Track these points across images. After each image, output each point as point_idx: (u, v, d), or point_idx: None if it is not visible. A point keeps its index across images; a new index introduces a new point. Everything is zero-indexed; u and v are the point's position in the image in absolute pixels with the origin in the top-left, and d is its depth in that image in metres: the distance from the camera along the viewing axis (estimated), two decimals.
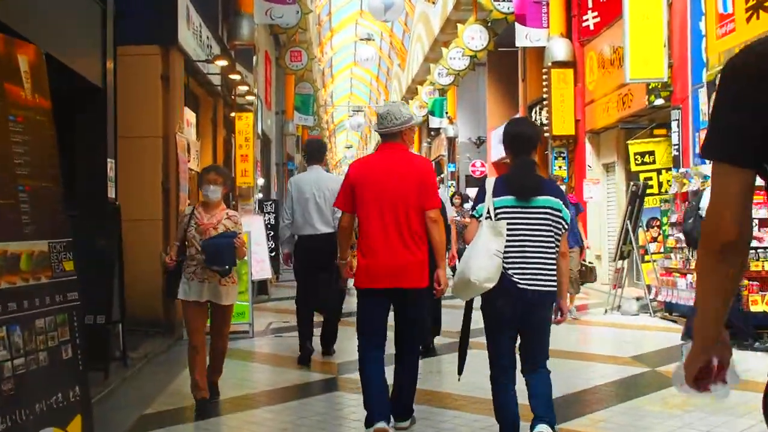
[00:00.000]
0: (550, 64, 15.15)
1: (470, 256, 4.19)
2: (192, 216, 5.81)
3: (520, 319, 4.27)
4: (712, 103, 1.95)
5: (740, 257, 1.71)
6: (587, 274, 11.13)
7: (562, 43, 15.18)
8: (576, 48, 15.18)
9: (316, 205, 7.46)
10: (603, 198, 14.88)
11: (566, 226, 4.34)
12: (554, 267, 4.28)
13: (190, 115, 10.79)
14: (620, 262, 11.09)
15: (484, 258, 4.12)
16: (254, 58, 13.70)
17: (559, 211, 4.27)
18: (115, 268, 7.32)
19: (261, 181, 17.18)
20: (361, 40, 33.15)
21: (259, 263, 12.75)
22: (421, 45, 31.68)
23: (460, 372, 4.59)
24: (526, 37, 16.13)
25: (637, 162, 11.80)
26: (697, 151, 10.08)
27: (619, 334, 9.50)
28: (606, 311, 11.07)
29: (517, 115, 20.86)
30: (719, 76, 1.74)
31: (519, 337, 4.40)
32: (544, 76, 15.37)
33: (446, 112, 29.38)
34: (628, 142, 11.93)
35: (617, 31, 13.38)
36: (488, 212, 4.22)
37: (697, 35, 10.50)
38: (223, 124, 13.34)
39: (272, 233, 16.84)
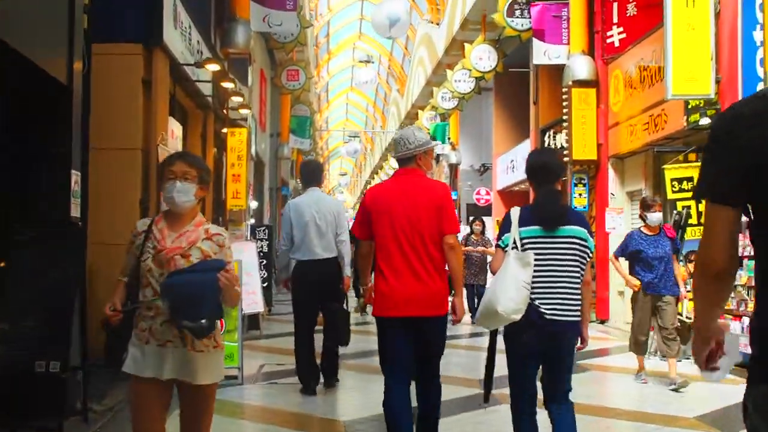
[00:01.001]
0: (570, 83, 13.97)
1: (498, 286, 4.22)
2: (148, 235, 3.65)
3: (545, 350, 4.34)
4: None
5: (731, 279, 2.17)
6: (683, 332, 8.77)
7: (584, 61, 14.02)
8: (599, 66, 14.01)
9: (316, 229, 7.15)
10: (627, 229, 13.61)
11: (591, 256, 4.39)
12: (579, 297, 4.35)
13: (175, 127, 9.54)
14: None
15: (512, 289, 4.15)
16: (249, 69, 12.48)
17: (585, 240, 4.34)
18: (75, 301, 6.00)
19: (254, 205, 15.89)
20: (361, 61, 31.97)
21: (250, 295, 11.46)
22: (423, 68, 30.60)
23: (486, 400, 4.69)
24: (544, 54, 14.98)
25: (674, 189, 10.58)
26: None
27: (668, 385, 8.18)
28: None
29: (528, 140, 19.74)
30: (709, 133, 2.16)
31: (541, 368, 4.48)
32: (564, 96, 14.18)
33: (448, 138, 28.19)
34: (664, 167, 10.71)
35: (646, 48, 12.25)
36: (514, 242, 4.28)
37: (750, 46, 9.33)
38: (214, 140, 12.10)
39: (265, 262, 15.63)
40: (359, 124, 58.46)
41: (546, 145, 17.88)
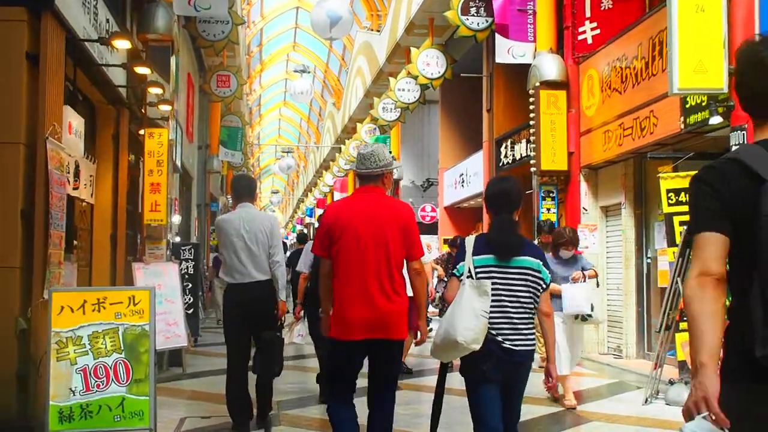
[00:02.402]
0: (538, 84, 12.42)
1: (455, 315, 4.19)
2: None
3: (504, 380, 4.30)
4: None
5: (725, 288, 2.30)
6: None
7: (553, 60, 12.51)
8: (569, 66, 12.51)
9: (246, 249, 6.51)
10: (602, 249, 12.13)
11: (545, 287, 4.38)
12: (533, 326, 4.36)
13: (74, 119, 7.61)
14: (665, 333, 8.28)
15: (470, 318, 4.14)
16: (172, 60, 10.60)
17: (539, 271, 4.36)
18: None
19: (176, 219, 13.92)
20: (296, 71, 30.27)
21: (171, 327, 9.57)
22: (361, 78, 28.96)
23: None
24: (508, 51, 13.43)
25: (670, 201, 9.05)
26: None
27: None
28: (647, 400, 8.19)
29: (480, 152, 18.24)
30: (690, 185, 2.44)
31: None
32: (531, 99, 12.63)
33: (390, 152, 26.56)
34: (660, 175, 9.17)
35: (628, 43, 10.79)
36: (469, 271, 4.28)
37: None
38: (129, 143, 10.17)
39: (190, 285, 13.73)
40: (292, 140, 56.54)
41: (503, 156, 16.41)
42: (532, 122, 12.64)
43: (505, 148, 16.26)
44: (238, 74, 21.44)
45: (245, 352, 6.67)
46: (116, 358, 5.88)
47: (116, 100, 9.74)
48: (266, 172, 66.61)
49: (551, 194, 12.50)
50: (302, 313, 8.48)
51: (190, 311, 13.56)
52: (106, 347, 5.90)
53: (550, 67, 12.49)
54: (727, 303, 2.33)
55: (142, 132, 10.44)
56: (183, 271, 13.55)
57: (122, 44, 7.77)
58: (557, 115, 12.35)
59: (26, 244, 6.32)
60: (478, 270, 4.27)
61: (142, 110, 10.30)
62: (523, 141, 15.14)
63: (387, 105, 23.29)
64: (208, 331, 15.28)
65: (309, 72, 31.79)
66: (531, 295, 4.33)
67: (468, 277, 4.26)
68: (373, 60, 26.36)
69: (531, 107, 12.63)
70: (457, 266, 4.37)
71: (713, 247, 2.28)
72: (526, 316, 4.32)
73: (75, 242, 9.04)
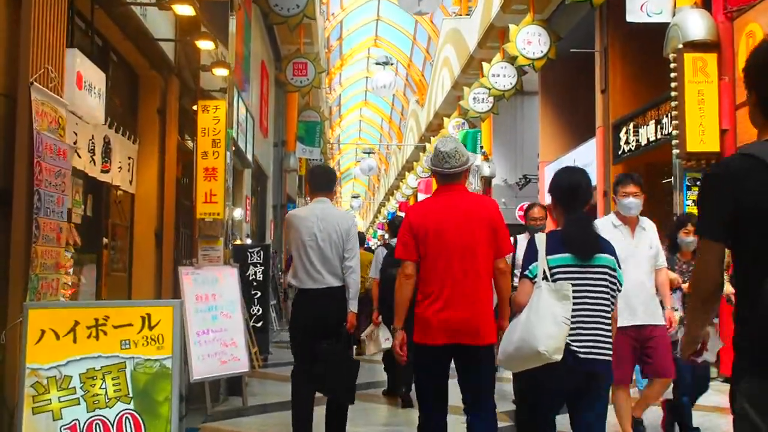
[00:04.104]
0: (680, 46, 10.03)
1: (532, 323, 3.85)
2: None
3: (575, 392, 3.98)
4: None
5: (717, 301, 2.57)
6: None
7: (699, 16, 10.10)
8: (720, 23, 10.08)
9: (317, 250, 5.73)
10: None
11: (619, 289, 4.10)
12: (610, 334, 4.03)
13: (89, 70, 5.59)
14: None
15: (551, 325, 3.80)
16: (231, 20, 8.59)
17: (615, 270, 4.07)
18: None
19: (238, 213, 11.96)
20: (378, 64, 28.21)
21: (227, 348, 7.59)
22: (448, 69, 26.77)
23: None
24: (641, 8, 10.99)
25: None
26: None
27: None
28: None
29: (592, 140, 15.84)
30: (702, 182, 2.59)
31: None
32: (672, 65, 10.23)
33: (481, 147, 24.25)
34: None
35: None
36: (543, 273, 3.95)
37: None
38: (178, 119, 8.22)
39: (259, 293, 11.77)
40: (373, 143, 54.67)
41: (623, 142, 14.01)
42: (673, 93, 10.23)
43: (626, 133, 13.85)
44: (316, 62, 19.55)
45: (313, 366, 5.82)
46: (122, 410, 3.87)
47: (161, 63, 7.79)
48: (346, 176, 65.04)
49: (699, 182, 10.04)
50: (380, 318, 7.98)
51: (259, 324, 11.63)
52: (106, 393, 3.88)
53: (696, 24, 10.07)
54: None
55: (194, 107, 8.47)
56: (251, 277, 11.65)
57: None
58: (706, 84, 9.92)
59: (1, 229, 4.34)
60: (554, 271, 3.94)
61: (196, 78, 8.34)
62: (651, 123, 12.74)
63: (478, 95, 21.10)
64: (280, 346, 13.26)
65: (392, 64, 29.72)
66: (609, 297, 4.03)
67: (543, 279, 3.93)
68: (462, 47, 24.15)
69: (672, 75, 10.22)
70: (529, 267, 4.05)
71: (711, 255, 2.46)
72: (604, 321, 4.00)
73: (105, 240, 7.11)
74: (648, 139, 12.90)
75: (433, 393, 4.61)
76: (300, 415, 5.87)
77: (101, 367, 3.86)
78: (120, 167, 7.19)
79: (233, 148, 9.29)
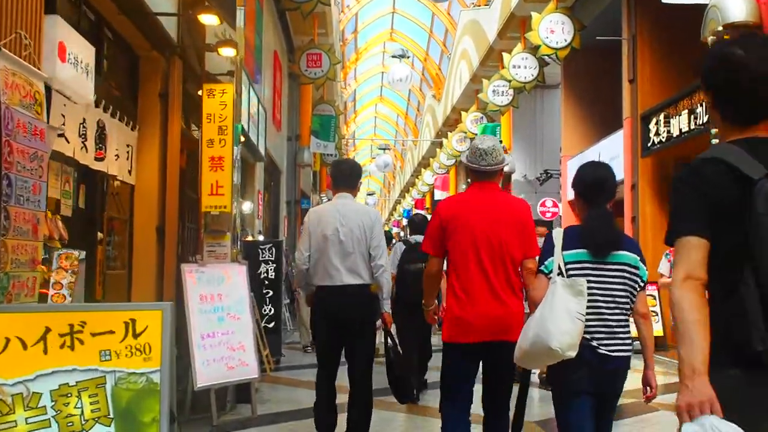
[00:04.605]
0: (719, 29, 9.34)
1: (546, 318, 3.75)
2: None
3: (597, 391, 3.84)
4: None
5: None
6: None
7: None
8: (762, 4, 9.38)
9: (339, 246, 5.55)
10: None
11: (642, 285, 3.95)
12: (629, 330, 3.90)
13: (74, 42, 4.96)
14: None
15: (565, 321, 3.70)
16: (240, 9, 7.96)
17: (636, 268, 3.92)
18: None
19: (248, 207, 11.34)
20: (394, 56, 27.52)
21: (234, 353, 7.01)
22: (467, 62, 26.10)
23: None
24: None
25: None
26: None
27: None
28: None
29: (620, 132, 15.16)
30: (674, 182, 2.43)
31: None
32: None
33: (500, 142, 23.57)
34: None
35: None
36: (559, 268, 3.85)
37: None
38: (182, 104, 7.62)
39: (271, 293, 11.20)
40: (389, 139, 54.00)
41: (653, 133, 13.33)
42: None
43: (656, 124, 13.19)
44: (330, 53, 18.95)
45: (334, 368, 5.74)
46: None
47: (164, 44, 7.20)
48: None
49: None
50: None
51: (271, 324, 11.03)
52: (82, 413, 3.27)
53: (736, 5, 9.36)
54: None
55: (200, 93, 7.86)
56: (262, 275, 11.05)
57: None
58: None
59: None
60: (569, 266, 3.83)
61: (200, 60, 7.74)
62: (684, 113, 12.07)
63: (498, 87, 20.47)
64: (293, 348, 12.66)
65: (408, 56, 29.02)
66: (627, 294, 3.88)
67: (558, 274, 3.81)
68: (480, 39, 23.47)
69: None
70: (545, 262, 3.96)
71: (698, 252, 2.32)
72: (623, 318, 3.89)
73: (101, 235, 6.52)
74: (680, 130, 12.23)
75: (460, 391, 4.64)
76: (322, 421, 5.72)
77: (77, 382, 3.26)
78: (117, 155, 6.58)
79: (242, 140, 8.70)
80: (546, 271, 3.98)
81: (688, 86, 12.08)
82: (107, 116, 6.32)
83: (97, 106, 6.08)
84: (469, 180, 5.06)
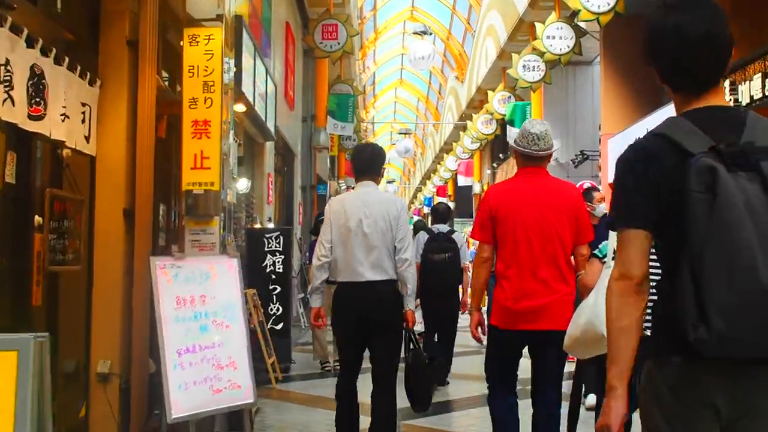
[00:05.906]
0: None
1: (598, 305, 3.52)
2: None
3: None
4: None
5: (647, 291, 2.26)
6: None
7: None
8: None
9: (363, 239, 5.24)
10: None
11: None
12: None
13: None
14: None
15: None
16: None
17: None
18: None
19: (243, 185, 9.73)
20: (416, 33, 25.90)
21: (222, 371, 5.45)
22: (493, 38, 24.44)
23: None
24: None
25: None
26: None
27: None
28: None
29: (668, 107, 13.42)
30: (617, 165, 2.31)
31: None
32: None
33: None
34: None
35: None
36: (614, 252, 3.57)
37: None
38: (157, 54, 6.05)
39: (278, 289, 9.73)
40: (409, 125, 52.41)
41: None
42: None
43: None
44: (347, 24, 17.43)
45: (357, 369, 5.42)
46: None
47: None
48: None
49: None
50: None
51: (279, 326, 9.51)
52: None
53: None
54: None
55: (181, 43, 6.29)
56: (268, 269, 9.53)
57: None
58: None
59: None
60: None
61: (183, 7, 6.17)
62: (756, 77, 10.40)
63: (529, 62, 18.91)
64: (306, 350, 11.08)
65: (430, 33, 27.35)
66: None
67: (613, 258, 3.38)
68: (509, 11, 21.82)
69: None
70: (599, 246, 4.06)
71: (635, 246, 2.25)
72: None
73: (38, 219, 4.98)
74: (751, 97, 10.55)
75: (507, 377, 4.66)
76: (344, 420, 5.37)
77: None
78: (65, 115, 5.00)
79: (231, 87, 7.12)
80: (600, 255, 4.00)
81: (759, 47, 10.40)
82: (49, 62, 4.75)
83: (31, 46, 4.52)
84: (515, 166, 4.91)
